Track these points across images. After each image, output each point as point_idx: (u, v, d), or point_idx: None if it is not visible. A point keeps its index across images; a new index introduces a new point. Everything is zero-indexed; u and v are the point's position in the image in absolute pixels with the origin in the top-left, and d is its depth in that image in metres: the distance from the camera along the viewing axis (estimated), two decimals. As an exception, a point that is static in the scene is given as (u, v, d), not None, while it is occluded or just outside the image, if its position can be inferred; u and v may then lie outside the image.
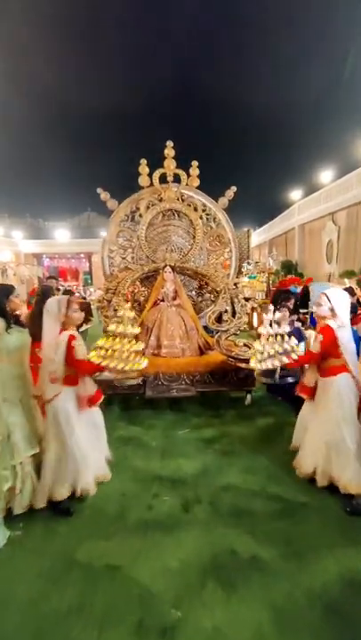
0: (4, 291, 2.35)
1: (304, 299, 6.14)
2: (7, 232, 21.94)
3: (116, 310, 4.10)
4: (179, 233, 4.94)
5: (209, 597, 1.71)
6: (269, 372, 3.02)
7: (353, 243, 10.92)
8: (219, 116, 26.61)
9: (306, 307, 5.97)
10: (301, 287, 6.73)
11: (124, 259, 4.96)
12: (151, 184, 4.82)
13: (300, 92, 22.68)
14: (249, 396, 4.08)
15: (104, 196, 4.90)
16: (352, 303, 2.75)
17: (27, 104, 23.77)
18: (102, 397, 2.46)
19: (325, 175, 13.65)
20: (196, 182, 4.88)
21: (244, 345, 4.03)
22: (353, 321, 2.83)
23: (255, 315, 8.47)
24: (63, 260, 24.21)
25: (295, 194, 16.43)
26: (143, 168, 4.80)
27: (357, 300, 4.51)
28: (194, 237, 4.86)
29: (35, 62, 23.51)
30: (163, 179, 4.81)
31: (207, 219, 4.97)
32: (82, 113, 25.76)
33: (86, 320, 6.83)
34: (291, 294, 4.60)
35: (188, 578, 1.82)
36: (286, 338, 2.46)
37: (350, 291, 3.14)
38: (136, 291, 4.99)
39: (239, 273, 6.10)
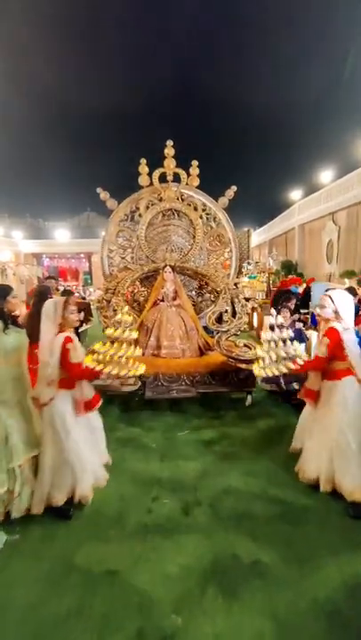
0: (1, 292, 2.32)
1: (305, 299, 6.11)
2: (7, 232, 21.91)
3: (115, 310, 4.07)
4: (179, 233, 4.90)
5: (210, 604, 1.68)
6: (273, 379, 2.96)
7: (353, 243, 10.90)
8: (219, 116, 26.62)
9: (307, 307, 5.95)
10: (303, 287, 6.71)
11: (123, 259, 4.93)
12: (151, 183, 4.79)
13: (300, 92, 22.69)
14: (249, 397, 4.05)
15: (103, 195, 4.87)
16: (354, 304, 2.71)
17: (27, 104, 23.78)
18: (100, 402, 2.41)
19: (325, 175, 13.62)
20: (196, 182, 4.86)
21: (245, 345, 4.00)
22: (355, 322, 2.79)
23: (255, 315, 8.44)
24: (63, 260, 24.18)
25: (295, 194, 16.41)
26: (143, 167, 4.77)
27: (359, 300, 4.48)
28: (194, 237, 4.83)
29: (35, 62, 23.52)
30: (162, 178, 4.78)
31: (207, 218, 4.94)
32: (82, 113, 25.77)
33: (86, 320, 6.82)
34: (292, 294, 4.57)
35: (189, 583, 1.79)
36: (289, 342, 2.40)
37: (352, 291, 3.10)
38: (136, 291, 4.96)
39: (239, 273, 6.08)
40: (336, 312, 2.34)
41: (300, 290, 6.43)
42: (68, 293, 4.66)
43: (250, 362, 3.79)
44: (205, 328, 4.49)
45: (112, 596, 1.73)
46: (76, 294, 9.54)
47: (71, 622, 1.60)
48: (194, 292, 5.02)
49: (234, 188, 4.95)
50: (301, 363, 2.33)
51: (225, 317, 4.22)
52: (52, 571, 1.87)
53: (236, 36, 24.49)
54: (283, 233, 17.63)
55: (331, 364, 2.35)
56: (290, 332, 2.44)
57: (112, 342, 2.33)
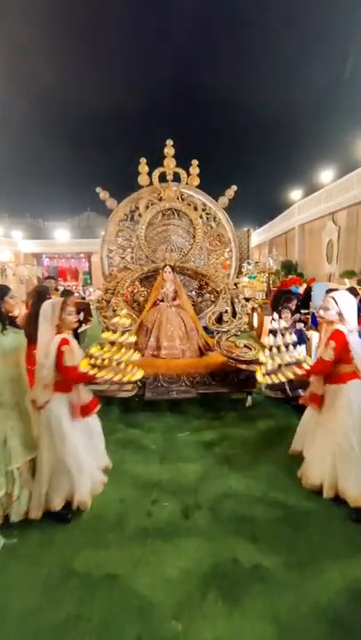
0: None
1: (305, 299, 6.09)
2: (7, 232, 21.89)
3: (115, 311, 4.05)
4: (178, 232, 4.88)
5: (210, 609, 1.65)
6: (279, 385, 2.85)
7: (353, 243, 10.87)
8: (219, 116, 26.60)
9: (307, 307, 5.92)
10: (304, 287, 6.68)
11: (123, 258, 4.91)
12: (151, 183, 4.77)
13: (300, 92, 22.68)
14: (250, 398, 4.03)
15: (103, 195, 4.85)
16: (356, 304, 2.68)
17: (27, 104, 23.76)
18: (98, 407, 2.37)
19: (325, 175, 13.60)
20: (196, 181, 4.83)
21: (245, 346, 3.98)
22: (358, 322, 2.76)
23: (255, 315, 8.42)
24: (63, 259, 24.15)
25: (295, 194, 16.39)
26: (143, 167, 4.75)
27: (360, 300, 4.45)
28: (194, 237, 4.80)
29: (35, 62, 23.50)
30: (162, 178, 4.76)
31: (207, 218, 4.92)
32: (82, 113, 25.75)
33: (85, 320, 6.80)
34: (292, 295, 4.55)
35: (189, 588, 1.77)
36: (291, 347, 2.34)
37: (353, 291, 3.08)
38: (135, 291, 4.94)
39: (239, 273, 6.06)
40: (340, 314, 2.30)
41: (301, 290, 6.40)
42: (67, 293, 4.62)
43: (250, 362, 3.77)
44: (205, 328, 4.46)
45: (111, 601, 1.71)
46: (76, 294, 9.52)
47: (70, 627, 1.57)
48: (194, 292, 5.00)
49: (234, 187, 4.93)
50: (308, 367, 2.27)
51: (225, 318, 4.20)
52: (50, 575, 1.85)
53: (236, 36, 24.50)
54: (283, 233, 17.62)
55: (336, 368, 2.30)
56: (293, 337, 2.38)
57: (111, 344, 2.29)
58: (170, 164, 4.70)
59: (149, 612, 1.65)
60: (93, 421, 2.37)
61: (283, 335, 2.38)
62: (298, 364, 2.28)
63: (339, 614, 1.63)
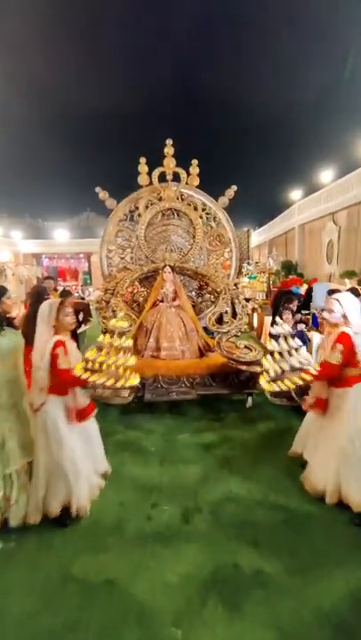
0: None
1: (306, 299, 6.06)
2: (6, 232, 21.85)
3: (114, 311, 4.02)
4: (178, 232, 4.85)
5: (210, 615, 1.63)
6: (285, 392, 2.77)
7: (353, 243, 10.85)
8: (219, 116, 26.58)
9: (307, 307, 5.89)
10: (306, 288, 6.65)
11: (122, 259, 4.88)
12: (150, 183, 4.74)
13: (300, 92, 22.66)
14: (250, 399, 4.00)
15: (102, 195, 4.82)
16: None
17: (27, 104, 23.74)
18: (95, 411, 2.33)
19: (325, 175, 13.57)
20: (196, 181, 4.81)
21: (245, 347, 3.95)
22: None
23: (255, 315, 8.40)
24: (62, 260, 24.11)
25: (295, 194, 16.35)
26: (142, 167, 4.73)
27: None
28: (194, 237, 4.78)
29: (35, 62, 23.47)
30: (162, 178, 4.73)
31: (207, 218, 4.89)
32: (82, 113, 25.73)
33: (85, 321, 6.77)
34: (293, 295, 4.52)
35: (189, 593, 1.74)
36: (294, 352, 2.28)
37: (355, 292, 3.04)
38: (135, 291, 4.91)
39: (239, 273, 6.03)
40: (344, 316, 2.27)
41: (302, 290, 6.37)
42: (66, 293, 4.60)
43: (251, 364, 3.74)
44: (205, 329, 4.43)
45: (110, 607, 1.68)
46: (75, 294, 9.48)
47: (68, 633, 1.55)
48: (194, 293, 4.97)
49: (234, 187, 4.90)
50: (315, 372, 2.20)
51: (225, 318, 4.17)
52: (48, 580, 1.82)
53: (236, 36, 24.48)
54: (283, 233, 17.58)
55: (342, 371, 2.25)
56: (298, 341, 2.32)
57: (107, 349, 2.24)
58: (170, 164, 4.68)
59: (149, 617, 1.63)
60: (91, 425, 2.34)
61: (286, 339, 2.32)
62: (303, 369, 2.22)
63: (342, 619, 1.60)
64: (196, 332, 4.36)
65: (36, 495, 2.12)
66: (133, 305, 4.82)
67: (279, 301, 4.59)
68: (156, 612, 1.65)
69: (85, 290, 16.69)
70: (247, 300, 6.30)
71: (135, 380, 2.17)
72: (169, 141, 4.70)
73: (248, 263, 12.15)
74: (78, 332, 5.58)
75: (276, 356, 2.30)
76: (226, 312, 4.21)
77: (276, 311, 4.62)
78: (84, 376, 2.08)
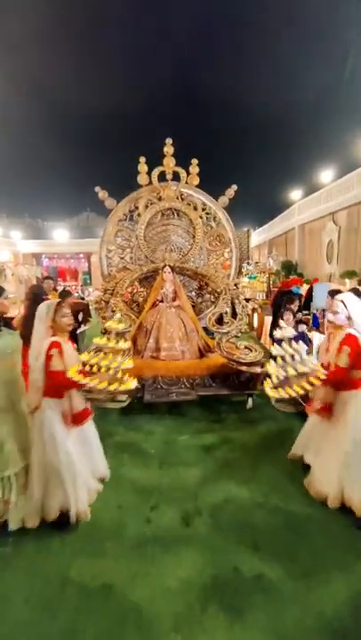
0: None
1: (306, 300, 6.03)
2: (6, 232, 21.82)
3: (113, 311, 3.99)
4: (178, 232, 4.83)
5: (210, 622, 1.60)
6: (291, 399, 2.68)
7: (353, 243, 10.82)
8: (219, 116, 26.54)
9: (308, 308, 5.87)
10: (307, 288, 6.62)
11: (122, 259, 4.86)
12: (150, 182, 4.71)
13: (300, 92, 22.63)
14: (250, 400, 3.97)
15: (102, 194, 4.79)
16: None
17: (27, 104, 23.69)
18: (91, 415, 2.30)
19: (326, 175, 13.55)
20: (196, 180, 4.78)
21: (246, 348, 3.92)
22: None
23: (256, 315, 8.37)
24: (62, 260, 24.09)
25: (295, 194, 16.33)
26: (142, 166, 4.70)
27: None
28: (194, 237, 4.75)
29: (35, 62, 23.43)
30: (162, 177, 4.70)
31: (207, 218, 4.86)
32: (82, 113, 25.69)
33: (85, 321, 6.74)
34: (294, 296, 4.49)
35: (189, 599, 1.71)
36: (297, 356, 2.20)
37: (357, 292, 3.01)
38: (135, 291, 4.89)
39: (239, 273, 6.00)
40: (349, 317, 2.23)
41: (303, 291, 6.34)
42: (65, 294, 4.57)
43: (251, 364, 3.72)
44: (205, 329, 4.41)
45: (109, 612, 1.65)
46: (75, 294, 9.46)
47: (66, 639, 1.52)
48: (193, 293, 4.94)
49: (234, 187, 4.87)
50: (324, 376, 2.14)
51: (225, 319, 4.14)
52: (45, 585, 1.79)
53: (236, 36, 24.43)
54: (283, 233, 17.56)
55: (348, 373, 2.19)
56: (303, 345, 2.26)
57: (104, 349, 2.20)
58: (169, 163, 4.65)
59: (148, 623, 1.60)
60: (88, 427, 2.31)
61: (290, 343, 2.26)
62: (312, 373, 2.14)
63: (343, 625, 1.58)
64: (196, 332, 4.33)
65: (33, 498, 2.09)
66: (133, 305, 4.79)
67: (280, 301, 4.57)
68: (156, 617, 1.62)
69: (85, 290, 16.67)
70: (247, 300, 6.26)
71: (132, 384, 2.13)
72: (169, 140, 4.67)
73: (248, 263, 12.12)
74: (78, 332, 5.56)
75: (279, 360, 2.24)
76: (226, 312, 4.18)
77: (277, 311, 4.60)
78: (75, 378, 2.03)
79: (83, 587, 1.78)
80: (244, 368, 3.71)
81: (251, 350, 3.87)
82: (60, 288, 6.88)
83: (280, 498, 2.40)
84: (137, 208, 4.76)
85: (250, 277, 11.45)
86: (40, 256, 23.51)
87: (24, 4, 20.82)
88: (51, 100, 25.54)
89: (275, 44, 22.79)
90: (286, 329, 2.32)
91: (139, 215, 4.73)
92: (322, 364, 2.32)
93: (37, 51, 23.20)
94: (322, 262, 12.82)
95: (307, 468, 2.53)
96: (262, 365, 3.71)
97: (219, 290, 4.33)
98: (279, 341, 2.32)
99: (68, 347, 2.20)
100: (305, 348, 2.30)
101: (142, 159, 4.70)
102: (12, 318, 2.47)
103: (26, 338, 2.29)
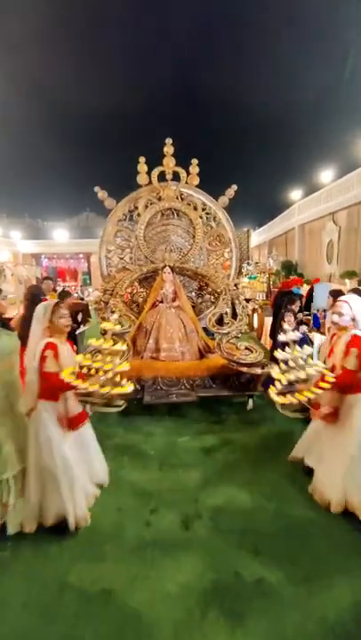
0: None
1: (307, 300, 6.01)
2: (5, 232, 21.80)
3: (113, 312, 3.97)
4: (178, 232, 4.80)
5: (211, 627, 1.58)
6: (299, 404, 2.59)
7: (353, 243, 10.80)
8: (219, 116, 26.52)
9: (308, 308, 5.85)
10: (308, 288, 6.61)
11: (122, 259, 4.83)
12: (150, 182, 4.69)
13: (300, 92, 22.61)
14: (251, 401, 3.95)
15: (102, 194, 4.77)
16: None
17: (27, 104, 23.66)
18: (87, 419, 2.27)
19: (326, 175, 13.53)
20: (196, 180, 4.76)
21: (246, 348, 3.90)
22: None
23: (256, 316, 8.35)
24: (62, 260, 24.07)
25: (295, 194, 16.31)
26: (142, 166, 4.68)
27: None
28: (193, 237, 4.73)
29: (35, 62, 23.41)
30: (162, 177, 4.68)
31: (207, 218, 4.84)
32: (82, 113, 25.66)
33: (84, 321, 6.71)
34: (295, 296, 4.46)
35: (189, 604, 1.69)
36: (301, 360, 2.14)
37: (359, 292, 2.99)
38: (134, 292, 4.86)
39: (239, 273, 5.98)
40: (354, 319, 2.20)
41: (304, 291, 6.33)
42: (65, 294, 4.55)
43: (251, 365, 3.70)
44: (205, 330, 4.39)
45: (107, 617, 1.63)
46: (75, 295, 9.44)
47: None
48: (193, 293, 4.92)
49: (234, 187, 4.86)
50: (333, 380, 2.08)
51: (225, 319, 4.12)
52: (43, 590, 1.77)
53: (236, 36, 24.41)
54: (283, 233, 17.54)
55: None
56: (308, 349, 2.20)
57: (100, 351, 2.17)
58: (169, 163, 4.63)
59: (147, 629, 1.58)
60: (86, 431, 2.28)
61: (294, 346, 2.20)
62: (321, 377, 2.09)
63: (345, 630, 1.55)
64: (195, 333, 4.31)
65: (30, 503, 2.07)
66: (133, 306, 4.77)
67: (280, 302, 4.54)
68: (155, 622, 1.60)
69: (85, 290, 16.65)
70: (247, 300, 6.25)
71: (128, 388, 2.09)
72: (168, 140, 4.65)
73: (248, 263, 12.11)
74: (77, 332, 5.53)
75: (283, 365, 2.19)
76: (226, 313, 4.16)
77: (278, 312, 4.58)
78: (67, 379, 1.99)
79: (82, 591, 1.76)
80: (244, 369, 3.68)
81: (251, 351, 3.84)
82: (59, 288, 6.86)
83: (281, 501, 2.38)
84: (137, 208, 4.74)
85: (250, 278, 11.43)
86: (40, 256, 23.49)
87: (24, 4, 20.79)
88: (51, 100, 25.52)
89: (275, 44, 22.78)
90: (291, 332, 2.27)
91: (138, 215, 4.71)
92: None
93: (37, 51, 23.18)
94: (322, 262, 12.80)
95: (308, 471, 2.51)
96: (263, 366, 3.68)
97: (219, 290, 4.31)
98: (284, 345, 2.25)
99: (66, 348, 2.18)
100: (311, 350, 2.24)
101: (142, 159, 4.68)
102: (11, 319, 2.45)
103: (24, 339, 2.27)
